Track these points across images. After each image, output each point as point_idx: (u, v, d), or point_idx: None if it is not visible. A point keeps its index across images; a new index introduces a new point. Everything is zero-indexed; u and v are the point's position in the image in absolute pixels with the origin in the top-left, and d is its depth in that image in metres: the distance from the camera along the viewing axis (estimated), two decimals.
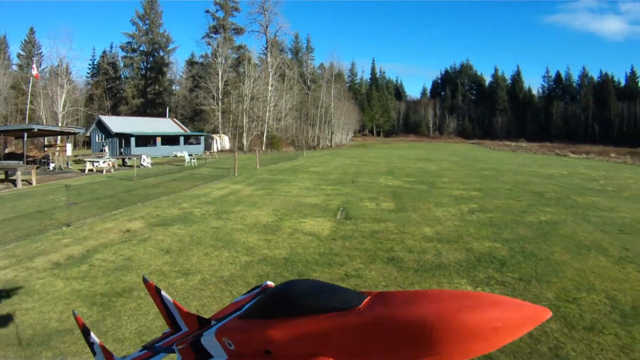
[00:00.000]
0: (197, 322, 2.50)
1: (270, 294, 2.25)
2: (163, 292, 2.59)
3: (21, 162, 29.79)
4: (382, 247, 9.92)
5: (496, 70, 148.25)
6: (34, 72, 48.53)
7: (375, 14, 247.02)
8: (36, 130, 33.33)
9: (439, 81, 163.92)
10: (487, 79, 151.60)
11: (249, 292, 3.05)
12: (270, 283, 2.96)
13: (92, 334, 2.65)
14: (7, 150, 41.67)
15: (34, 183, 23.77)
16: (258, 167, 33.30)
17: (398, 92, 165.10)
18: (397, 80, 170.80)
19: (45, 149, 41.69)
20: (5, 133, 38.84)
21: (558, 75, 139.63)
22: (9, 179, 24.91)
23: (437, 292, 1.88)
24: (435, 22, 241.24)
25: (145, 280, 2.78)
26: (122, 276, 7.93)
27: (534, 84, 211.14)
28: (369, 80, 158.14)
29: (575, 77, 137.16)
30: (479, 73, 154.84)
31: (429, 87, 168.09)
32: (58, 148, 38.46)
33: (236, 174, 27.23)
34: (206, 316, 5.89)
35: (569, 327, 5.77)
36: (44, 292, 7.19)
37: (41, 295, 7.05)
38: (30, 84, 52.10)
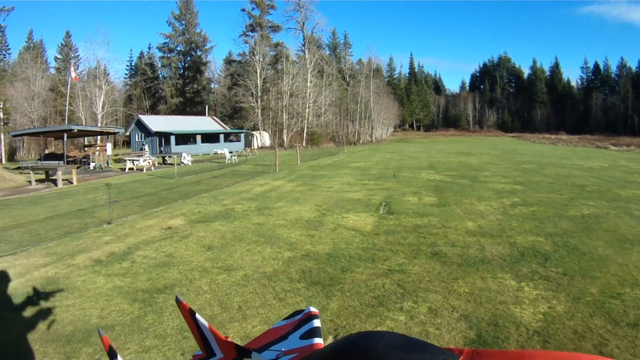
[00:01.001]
0: (235, 350, 2.29)
1: (342, 347, 1.82)
2: (198, 315, 2.39)
3: (61, 162, 30.45)
4: (425, 241, 9.73)
5: (534, 62, 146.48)
6: (72, 74, 49.56)
7: (412, 8, 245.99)
8: (76, 130, 34.10)
9: (478, 74, 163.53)
10: (526, 72, 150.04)
11: (288, 317, 2.82)
12: (313, 310, 2.71)
13: (119, 357, 2.48)
14: (47, 151, 42.73)
15: (75, 182, 24.21)
16: (299, 163, 33.32)
17: (437, 86, 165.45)
18: (435, 75, 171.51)
19: (86, 148, 42.54)
20: (45, 134, 39.79)
21: (596, 66, 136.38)
22: (50, 179, 25.43)
23: (540, 353, 1.58)
24: (473, 15, 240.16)
25: (178, 301, 2.55)
26: (164, 273, 7.89)
27: (572, 75, 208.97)
28: (407, 75, 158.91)
29: (613, 68, 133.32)
30: (517, 66, 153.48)
31: (467, 80, 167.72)
32: (98, 148, 39.22)
33: (277, 170, 27.28)
34: (248, 311, 5.77)
35: (613, 324, 5.57)
36: (84, 288, 7.19)
37: (82, 292, 7.05)
38: (69, 85, 53.23)
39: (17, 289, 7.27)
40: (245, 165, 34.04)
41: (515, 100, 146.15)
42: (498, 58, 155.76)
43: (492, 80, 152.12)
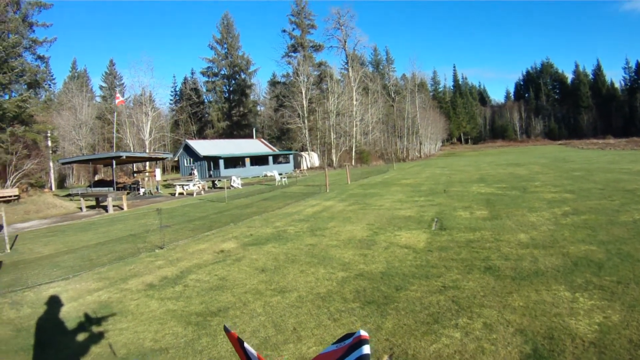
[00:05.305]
0: None
1: None
2: (246, 344, 2.36)
3: (111, 188, 31.18)
4: (478, 256, 9.57)
5: (577, 66, 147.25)
6: (118, 100, 51.01)
7: (452, 20, 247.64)
8: (124, 157, 34.87)
9: (522, 83, 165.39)
10: (569, 76, 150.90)
11: (339, 341, 2.74)
12: (363, 333, 2.63)
13: None
14: (96, 178, 43.94)
15: (125, 208, 24.71)
16: (349, 182, 33.38)
17: (482, 97, 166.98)
18: (480, 85, 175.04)
19: (135, 174, 43.50)
20: (94, 161, 40.84)
21: (638, 65, 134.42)
22: (100, 205, 26.02)
23: None
24: (513, 23, 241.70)
25: (226, 330, 2.52)
26: (217, 296, 7.91)
27: (615, 77, 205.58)
28: (452, 88, 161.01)
29: None
30: (560, 71, 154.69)
31: (512, 89, 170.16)
32: (147, 173, 40.04)
33: (327, 190, 27.34)
34: (303, 332, 5.73)
35: None
36: (138, 312, 7.26)
37: (135, 315, 7.13)
38: (115, 113, 54.84)
39: (70, 313, 7.41)
40: (295, 186, 34.30)
41: (560, 106, 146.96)
42: (541, 65, 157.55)
43: (537, 87, 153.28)
